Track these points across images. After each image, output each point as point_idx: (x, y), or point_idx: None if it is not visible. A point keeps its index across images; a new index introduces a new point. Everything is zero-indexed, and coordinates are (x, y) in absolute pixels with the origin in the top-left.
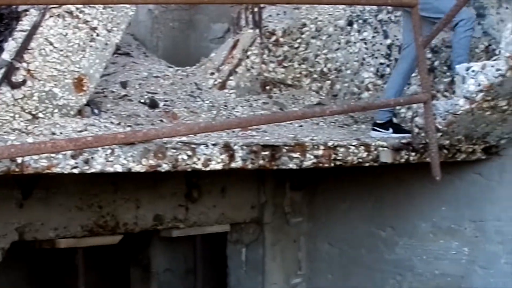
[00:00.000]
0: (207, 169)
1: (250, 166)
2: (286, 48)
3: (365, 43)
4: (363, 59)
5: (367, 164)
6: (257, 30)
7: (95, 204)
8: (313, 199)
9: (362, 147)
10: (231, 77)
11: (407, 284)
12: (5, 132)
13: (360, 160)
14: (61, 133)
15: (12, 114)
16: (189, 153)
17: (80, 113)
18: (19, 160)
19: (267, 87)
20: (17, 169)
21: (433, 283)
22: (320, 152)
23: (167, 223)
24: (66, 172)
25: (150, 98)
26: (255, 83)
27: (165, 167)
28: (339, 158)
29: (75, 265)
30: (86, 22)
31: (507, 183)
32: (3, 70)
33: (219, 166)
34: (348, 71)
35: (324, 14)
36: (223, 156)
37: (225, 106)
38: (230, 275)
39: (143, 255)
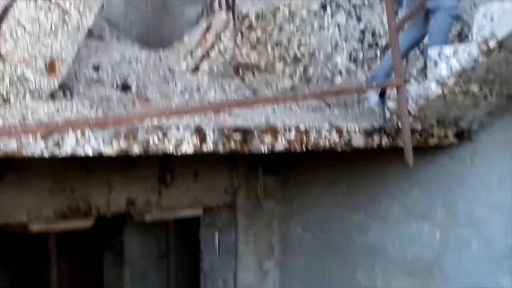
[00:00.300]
0: (178, 152)
1: (221, 150)
2: (259, 32)
3: (339, 28)
4: (336, 43)
5: (339, 148)
6: (231, 14)
7: (67, 188)
8: (286, 183)
9: (334, 131)
10: (204, 61)
11: (379, 268)
12: None
13: (332, 144)
14: (32, 116)
15: None
16: (160, 136)
17: (52, 96)
18: None
19: (240, 71)
20: None
21: (405, 267)
22: (292, 136)
23: (140, 207)
24: (36, 155)
25: (123, 81)
26: (228, 67)
27: (136, 150)
28: (311, 142)
29: (48, 250)
30: (58, 5)
31: (479, 167)
32: None
33: (190, 150)
34: (322, 56)
35: None
36: (194, 140)
37: (198, 90)
38: (203, 259)
39: (116, 239)
